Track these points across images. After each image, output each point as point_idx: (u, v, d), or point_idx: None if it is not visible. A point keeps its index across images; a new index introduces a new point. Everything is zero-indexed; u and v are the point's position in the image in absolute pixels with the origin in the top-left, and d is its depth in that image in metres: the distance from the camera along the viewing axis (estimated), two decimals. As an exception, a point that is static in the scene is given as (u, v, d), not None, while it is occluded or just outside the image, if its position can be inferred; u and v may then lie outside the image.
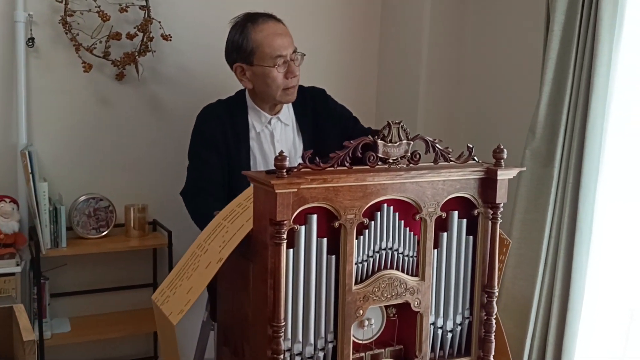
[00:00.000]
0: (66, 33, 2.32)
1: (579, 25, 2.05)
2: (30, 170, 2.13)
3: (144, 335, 2.65)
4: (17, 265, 2.18)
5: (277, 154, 1.28)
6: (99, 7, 2.33)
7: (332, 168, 1.36)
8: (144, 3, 2.41)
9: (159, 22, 2.43)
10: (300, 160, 2.09)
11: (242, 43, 2.04)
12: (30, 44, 2.30)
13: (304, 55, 2.09)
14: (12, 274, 2.17)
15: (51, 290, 2.44)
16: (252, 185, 1.39)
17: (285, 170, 1.28)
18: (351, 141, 1.37)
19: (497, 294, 1.62)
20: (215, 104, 2.18)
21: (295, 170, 1.32)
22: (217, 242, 1.45)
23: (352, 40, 2.89)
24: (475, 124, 2.72)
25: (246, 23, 2.06)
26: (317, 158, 1.34)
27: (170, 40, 2.45)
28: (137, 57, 2.42)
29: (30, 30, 2.30)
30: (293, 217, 1.33)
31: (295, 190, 1.29)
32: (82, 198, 2.44)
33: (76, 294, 2.54)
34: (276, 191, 1.25)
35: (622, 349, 2.03)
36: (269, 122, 2.14)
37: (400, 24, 2.81)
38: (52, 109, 2.42)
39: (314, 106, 2.20)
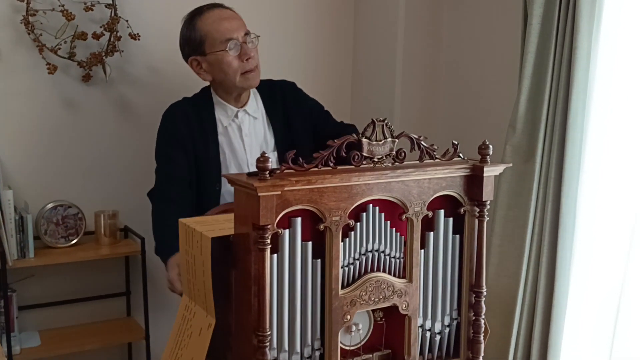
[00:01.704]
0: (29, 33, 2.22)
1: (557, 18, 2.03)
2: (-7, 178, 2.03)
3: (118, 346, 2.56)
4: (-18, 278, 2.09)
5: (260, 155, 1.21)
6: (62, 6, 2.25)
7: (316, 168, 1.30)
8: (110, 1, 2.33)
9: (127, 20, 2.35)
10: (272, 154, 2.05)
11: (191, 35, 2.03)
12: (-9, 45, 2.21)
13: (258, 36, 2.05)
14: (-23, 288, 2.07)
15: (19, 302, 2.35)
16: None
17: (267, 172, 1.22)
18: (335, 140, 1.31)
19: (485, 293, 1.58)
20: (180, 101, 2.14)
21: (278, 171, 1.25)
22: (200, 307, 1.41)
23: (326, 36, 2.85)
24: (454, 120, 2.69)
25: (193, 16, 2.05)
26: (300, 158, 1.28)
27: (139, 39, 2.37)
28: (104, 58, 2.34)
29: (-10, 31, 2.20)
30: (277, 221, 1.26)
31: (279, 192, 1.23)
32: (50, 205, 2.35)
33: (46, 306, 2.45)
34: (259, 194, 1.19)
35: (608, 345, 2.02)
36: (236, 116, 2.10)
37: (375, 18, 2.77)
38: (16, 113, 2.32)
39: (284, 99, 2.16)
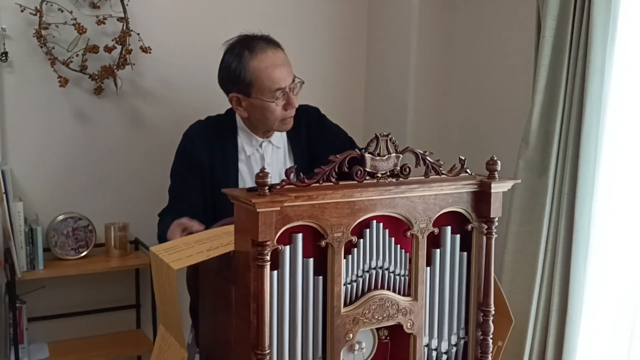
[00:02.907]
0: (41, 47, 2.24)
1: (571, 31, 2.00)
2: (3, 190, 2.04)
3: (126, 358, 2.55)
4: (-9, 289, 2.09)
5: (259, 170, 1.20)
6: (75, 19, 2.26)
7: (317, 184, 1.28)
8: (122, 15, 2.34)
9: (138, 34, 2.36)
10: None
11: (240, 74, 1.92)
12: (4, 58, 2.22)
13: (303, 82, 1.98)
14: (-14, 299, 2.08)
15: (29, 314, 2.35)
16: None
17: (267, 187, 1.20)
18: (337, 155, 1.29)
19: (493, 312, 1.54)
20: (203, 122, 2.08)
21: (278, 187, 1.24)
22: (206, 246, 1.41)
23: (339, 51, 2.83)
24: (467, 134, 2.66)
25: (243, 51, 1.93)
26: (301, 174, 1.27)
27: (150, 52, 2.37)
28: (115, 71, 2.34)
29: (4, 44, 2.22)
30: (277, 237, 1.25)
31: (279, 208, 1.21)
32: (60, 217, 2.36)
33: (55, 318, 2.45)
34: (258, 210, 1.18)
35: (623, 364, 1.96)
36: (260, 145, 2.06)
37: (388, 33, 2.75)
38: (28, 125, 2.33)
39: (307, 125, 2.11)
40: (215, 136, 2.01)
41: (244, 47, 1.93)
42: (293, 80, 1.95)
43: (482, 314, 1.54)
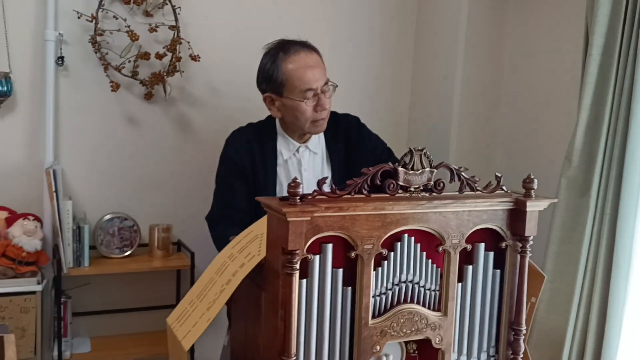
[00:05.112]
0: (95, 52, 2.32)
1: (619, 49, 1.96)
2: (54, 189, 2.13)
3: (164, 356, 2.61)
4: (38, 283, 2.18)
5: (291, 180, 1.23)
6: (128, 26, 2.34)
7: (348, 196, 1.30)
8: (173, 23, 2.41)
9: (188, 42, 2.43)
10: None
11: (273, 74, 1.98)
12: (60, 62, 2.32)
13: (336, 86, 2.01)
14: (33, 293, 2.16)
15: (73, 309, 2.43)
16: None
17: (298, 197, 1.22)
18: (370, 168, 1.31)
19: (524, 331, 1.53)
20: (244, 128, 2.13)
21: (310, 197, 1.26)
22: (206, 301, 1.43)
23: (385, 63, 2.85)
24: (510, 150, 2.63)
25: (278, 52, 1.99)
26: (333, 185, 1.29)
27: (199, 60, 2.44)
28: (165, 77, 2.41)
29: (60, 49, 2.32)
30: (307, 246, 1.27)
31: (309, 218, 1.23)
32: (107, 217, 2.44)
33: (98, 314, 2.53)
34: (288, 219, 1.20)
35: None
36: (297, 150, 2.09)
37: (435, 47, 2.75)
38: (80, 127, 2.42)
39: (346, 134, 2.13)
40: (255, 141, 2.06)
41: (280, 49, 2.00)
42: (326, 83, 1.99)
43: (513, 333, 1.53)
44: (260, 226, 1.45)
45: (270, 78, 1.99)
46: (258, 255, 1.35)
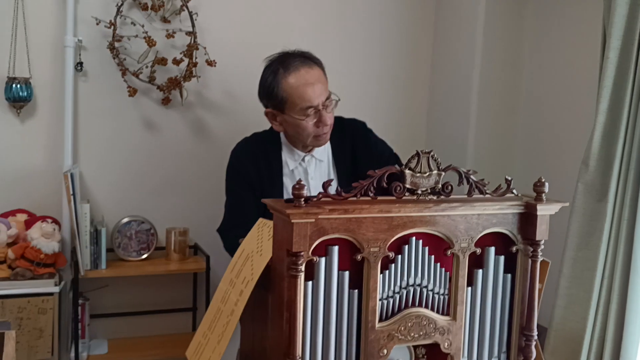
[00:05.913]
0: (113, 58, 2.36)
1: (636, 52, 1.93)
2: (71, 192, 2.16)
3: (181, 359, 2.63)
4: (56, 285, 2.21)
5: (296, 183, 1.23)
6: (146, 32, 2.37)
7: (354, 198, 1.29)
8: (190, 29, 2.43)
9: (205, 48, 2.45)
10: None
11: (273, 91, 1.97)
12: (79, 68, 2.36)
13: (338, 100, 2.00)
14: (51, 294, 2.19)
15: (91, 311, 2.46)
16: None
17: (303, 199, 1.23)
18: (376, 170, 1.30)
19: (536, 336, 1.51)
20: (249, 138, 2.14)
21: (315, 199, 1.26)
22: (216, 333, 1.45)
23: (403, 67, 2.84)
24: (528, 154, 2.60)
25: (278, 68, 1.97)
26: (338, 187, 1.29)
27: (215, 66, 2.46)
28: (182, 82, 2.44)
29: (79, 54, 2.36)
30: (312, 248, 1.27)
31: (313, 220, 1.23)
32: (125, 220, 2.47)
33: (116, 316, 2.56)
34: (292, 221, 1.20)
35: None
36: (303, 159, 2.09)
37: (453, 51, 2.73)
38: (98, 131, 2.46)
39: (352, 140, 2.12)
40: (260, 152, 2.06)
41: (280, 64, 1.98)
42: (327, 98, 1.97)
43: (524, 338, 1.51)
44: (249, 242, 1.46)
45: (271, 95, 1.98)
46: (252, 281, 1.37)
